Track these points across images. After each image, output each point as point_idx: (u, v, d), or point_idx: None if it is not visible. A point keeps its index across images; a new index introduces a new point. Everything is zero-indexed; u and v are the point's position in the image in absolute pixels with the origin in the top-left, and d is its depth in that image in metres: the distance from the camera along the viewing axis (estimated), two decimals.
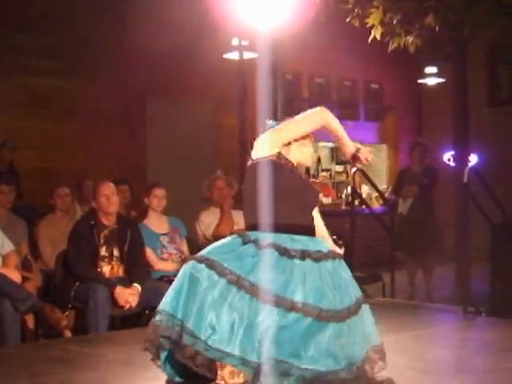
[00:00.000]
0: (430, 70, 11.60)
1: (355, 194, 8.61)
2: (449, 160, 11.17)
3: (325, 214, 8.07)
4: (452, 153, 9.57)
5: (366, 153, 3.99)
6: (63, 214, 7.15)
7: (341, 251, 3.84)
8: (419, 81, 12.07)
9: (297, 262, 3.57)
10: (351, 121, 12.59)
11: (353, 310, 3.63)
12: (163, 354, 3.73)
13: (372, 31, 6.84)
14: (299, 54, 9.98)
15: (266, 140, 3.84)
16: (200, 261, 3.61)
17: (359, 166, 4.17)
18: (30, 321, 5.96)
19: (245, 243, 3.64)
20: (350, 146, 4.02)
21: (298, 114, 10.50)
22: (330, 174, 12.94)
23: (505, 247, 6.96)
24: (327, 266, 3.63)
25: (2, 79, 8.77)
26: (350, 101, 12.47)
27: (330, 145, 13.23)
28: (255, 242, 3.61)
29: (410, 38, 7.00)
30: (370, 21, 6.79)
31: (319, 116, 3.91)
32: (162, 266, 6.60)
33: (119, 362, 4.74)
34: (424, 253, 8.56)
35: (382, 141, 13.31)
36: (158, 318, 3.63)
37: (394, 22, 6.86)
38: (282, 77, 8.23)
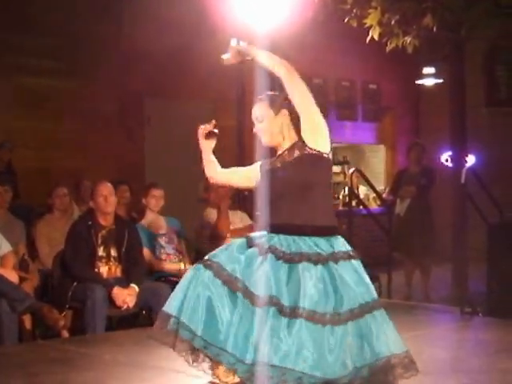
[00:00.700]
0: (428, 70, 11.58)
1: (352, 194, 8.62)
2: (446, 160, 11.18)
3: None
4: (449, 153, 9.57)
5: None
6: (61, 214, 7.15)
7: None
8: (417, 81, 12.04)
9: (294, 265, 3.56)
10: (349, 121, 12.62)
11: (356, 313, 3.56)
12: None
13: (370, 32, 6.86)
14: (297, 55, 9.91)
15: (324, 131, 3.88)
16: (206, 265, 3.62)
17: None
18: (28, 321, 5.97)
19: (250, 247, 3.66)
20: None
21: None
22: None
23: (502, 247, 6.97)
24: (330, 267, 3.58)
25: (0, 79, 8.79)
26: (348, 101, 12.48)
27: None
28: (258, 245, 3.63)
29: (408, 39, 7.03)
30: (368, 21, 6.82)
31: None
32: (160, 266, 6.61)
33: (116, 362, 4.75)
34: (421, 253, 8.57)
35: (379, 141, 13.31)
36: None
37: (392, 22, 6.89)
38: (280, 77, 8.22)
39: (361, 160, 13.35)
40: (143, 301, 6.01)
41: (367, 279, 3.72)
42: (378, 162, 13.36)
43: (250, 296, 3.49)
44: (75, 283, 5.99)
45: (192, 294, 3.53)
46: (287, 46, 8.11)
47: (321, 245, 3.61)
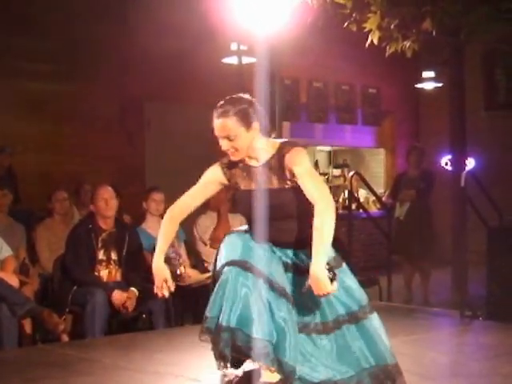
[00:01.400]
0: (428, 74, 11.61)
1: (352, 197, 8.63)
2: (446, 164, 11.20)
3: None
4: (449, 157, 9.58)
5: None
6: (61, 218, 7.16)
7: (332, 287, 3.45)
8: (417, 85, 12.08)
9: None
10: (349, 125, 12.64)
11: (342, 321, 3.60)
12: None
13: (370, 36, 6.86)
14: (297, 59, 10.02)
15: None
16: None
17: None
18: (28, 325, 5.96)
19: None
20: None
21: (296, 117, 10.63)
22: (328, 178, 12.97)
23: (501, 251, 6.96)
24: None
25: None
26: (348, 105, 12.49)
27: (328, 148, 13.27)
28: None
29: (408, 43, 7.02)
30: (368, 26, 6.81)
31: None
32: None
33: (116, 366, 4.74)
34: (421, 256, 8.58)
35: (379, 145, 13.33)
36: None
37: (392, 26, 6.87)
38: (281, 81, 8.24)
39: (361, 163, 13.37)
40: (143, 304, 6.01)
41: (352, 286, 3.70)
42: (377, 166, 13.37)
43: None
44: (75, 287, 6.00)
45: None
46: (287, 51, 8.16)
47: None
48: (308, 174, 3.59)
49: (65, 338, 5.90)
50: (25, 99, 8.95)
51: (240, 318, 3.41)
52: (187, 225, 7.15)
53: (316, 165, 13.00)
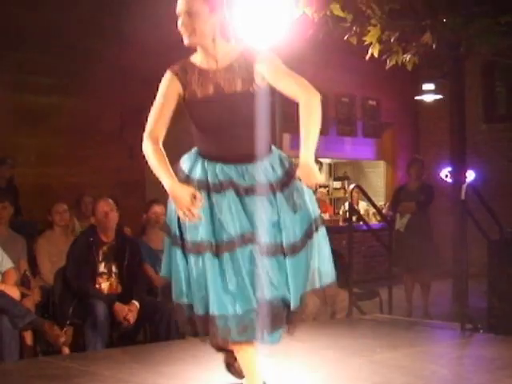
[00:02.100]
0: (428, 86, 11.65)
1: (353, 210, 8.64)
2: (446, 176, 11.22)
3: None
4: (449, 169, 9.60)
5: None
6: (62, 230, 7.17)
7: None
8: (416, 97, 12.12)
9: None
10: (349, 137, 12.67)
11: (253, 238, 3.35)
12: None
13: (370, 49, 6.90)
14: (297, 71, 10.01)
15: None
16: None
17: None
18: (29, 337, 5.95)
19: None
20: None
21: (296, 129, 10.51)
22: (328, 191, 13.00)
23: (502, 263, 6.96)
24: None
25: (1, 96, 8.83)
26: (348, 117, 12.54)
27: (328, 161, 13.29)
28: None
29: (408, 56, 7.06)
30: (368, 39, 6.85)
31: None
32: (161, 282, 6.60)
33: (117, 379, 4.73)
34: (421, 269, 8.58)
35: (379, 157, 13.37)
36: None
37: (392, 39, 6.92)
38: (280, 93, 8.25)
39: (361, 175, 13.40)
40: (144, 317, 6.01)
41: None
42: (377, 178, 13.41)
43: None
44: (76, 299, 6.00)
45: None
46: (287, 63, 8.18)
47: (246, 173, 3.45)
48: (283, 69, 3.46)
49: (66, 350, 5.90)
50: (26, 112, 9.00)
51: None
52: None
53: None
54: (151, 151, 3.50)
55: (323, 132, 12.80)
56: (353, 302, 7.02)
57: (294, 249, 3.41)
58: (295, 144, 12.89)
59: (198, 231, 3.37)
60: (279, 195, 3.46)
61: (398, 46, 7.02)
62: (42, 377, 4.88)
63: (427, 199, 8.70)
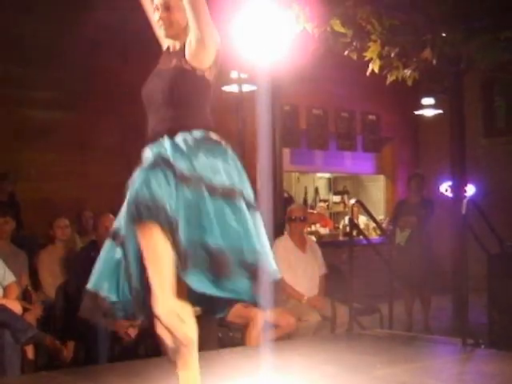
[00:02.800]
0: (427, 101, 11.68)
1: (353, 224, 8.64)
2: (446, 190, 11.24)
3: (322, 245, 8.10)
4: (449, 183, 9.62)
5: None
6: (63, 244, 7.19)
7: None
8: (416, 112, 12.15)
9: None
10: (349, 151, 12.70)
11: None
12: None
13: (370, 64, 6.93)
14: (297, 86, 10.06)
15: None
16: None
17: None
18: (30, 351, 5.98)
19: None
20: None
21: (296, 144, 10.65)
22: (328, 205, 13.02)
23: (502, 278, 6.98)
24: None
25: (1, 111, 8.86)
26: (348, 132, 12.57)
27: (328, 175, 13.32)
28: None
29: (408, 72, 7.09)
30: (368, 54, 6.88)
31: None
32: None
33: None
34: (421, 283, 8.59)
35: (379, 171, 13.40)
36: None
37: (392, 55, 6.95)
38: (280, 108, 8.30)
39: (361, 190, 13.43)
40: (145, 331, 6.02)
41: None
42: (377, 192, 13.44)
43: None
44: (77, 314, 6.00)
45: None
46: (287, 78, 8.22)
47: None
48: None
49: (67, 364, 5.92)
50: (27, 127, 9.04)
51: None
52: None
53: (316, 191, 13.07)
54: None
55: (323, 147, 12.89)
56: (353, 317, 7.01)
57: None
58: (296, 159, 12.97)
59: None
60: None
61: (399, 62, 7.05)
62: None
63: (428, 214, 8.72)
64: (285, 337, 6.59)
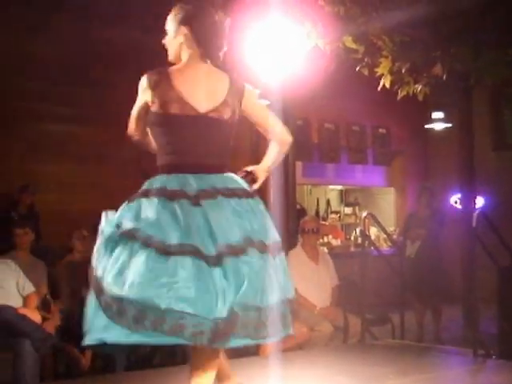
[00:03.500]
0: (437, 115, 11.76)
1: (364, 236, 8.72)
2: (455, 202, 11.32)
3: (334, 256, 8.17)
4: (458, 195, 9.69)
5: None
6: (81, 255, 7.28)
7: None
8: (426, 126, 12.23)
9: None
10: (360, 164, 12.79)
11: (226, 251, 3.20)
12: None
13: (382, 80, 7.01)
14: (309, 101, 10.15)
15: None
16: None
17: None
18: (49, 360, 6.05)
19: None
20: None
21: (309, 158, 10.67)
22: (339, 216, 13.08)
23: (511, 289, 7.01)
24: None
25: (21, 125, 9.00)
26: (359, 145, 12.67)
27: (339, 188, 13.40)
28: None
29: (419, 87, 7.15)
30: (380, 70, 6.94)
31: None
32: None
33: None
34: (431, 295, 8.64)
35: (389, 184, 13.46)
36: None
37: (403, 70, 7.01)
38: (293, 123, 8.40)
39: (371, 202, 13.49)
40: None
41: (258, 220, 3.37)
42: (387, 204, 13.49)
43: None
44: None
45: None
46: (299, 93, 8.32)
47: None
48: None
49: (85, 373, 6.01)
50: (46, 141, 9.15)
51: None
52: None
53: (328, 203, 13.15)
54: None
55: (335, 160, 12.98)
56: (365, 328, 7.07)
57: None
58: (308, 172, 13.07)
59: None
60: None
61: (409, 77, 7.10)
62: None
63: (438, 226, 8.78)
64: (297, 347, 6.63)
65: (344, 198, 13.58)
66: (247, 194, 3.44)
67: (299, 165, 11.28)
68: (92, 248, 3.57)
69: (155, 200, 3.35)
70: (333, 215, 12.96)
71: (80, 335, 6.05)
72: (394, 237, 9.79)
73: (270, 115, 3.67)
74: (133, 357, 6.26)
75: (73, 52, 9.21)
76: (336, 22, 6.71)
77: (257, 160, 3.79)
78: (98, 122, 9.44)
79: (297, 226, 7.71)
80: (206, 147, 3.45)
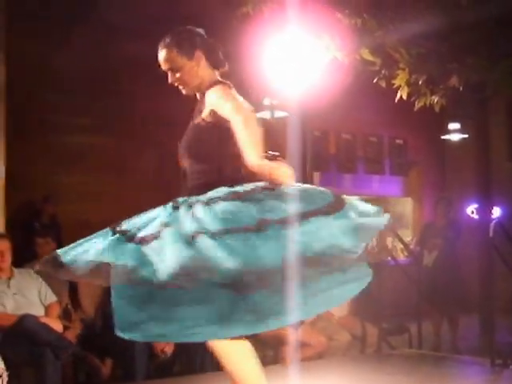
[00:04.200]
0: (453, 126, 11.80)
1: (382, 246, 8.76)
2: (472, 212, 11.34)
3: None
4: (475, 205, 9.71)
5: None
6: None
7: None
8: (443, 136, 12.25)
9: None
10: (377, 175, 12.82)
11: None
12: None
13: (399, 91, 7.06)
14: (327, 112, 10.21)
15: None
16: None
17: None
18: (70, 369, 6.13)
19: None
20: None
21: (326, 168, 10.70)
22: None
23: None
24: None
25: (44, 137, 9.10)
26: (376, 156, 12.70)
27: (356, 198, 13.43)
28: None
29: (436, 98, 7.20)
30: (397, 82, 6.99)
31: None
32: None
33: None
34: (448, 304, 8.66)
35: (406, 194, 13.47)
36: None
37: (420, 82, 7.06)
38: (311, 134, 8.48)
39: (388, 212, 13.50)
40: (181, 348, 6.16)
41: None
42: (405, 214, 13.50)
43: None
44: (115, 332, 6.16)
45: None
46: (317, 105, 8.40)
47: None
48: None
49: (105, 381, 6.07)
50: (67, 152, 9.24)
51: None
52: None
53: None
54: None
55: (352, 170, 13.04)
56: (382, 337, 7.10)
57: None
58: (325, 182, 13.12)
59: None
60: None
61: (426, 89, 7.14)
62: None
63: (455, 236, 8.81)
64: (316, 356, 6.68)
65: None
66: None
67: (317, 175, 11.34)
68: None
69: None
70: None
71: (100, 344, 6.14)
72: (411, 246, 9.80)
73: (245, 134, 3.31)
74: (152, 365, 6.31)
75: (95, 65, 9.30)
76: (353, 35, 6.78)
77: None
78: (119, 134, 9.54)
79: None
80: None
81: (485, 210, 8.82)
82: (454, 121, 11.66)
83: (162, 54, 3.46)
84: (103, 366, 6.28)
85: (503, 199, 11.11)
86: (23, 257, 6.85)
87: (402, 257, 11.56)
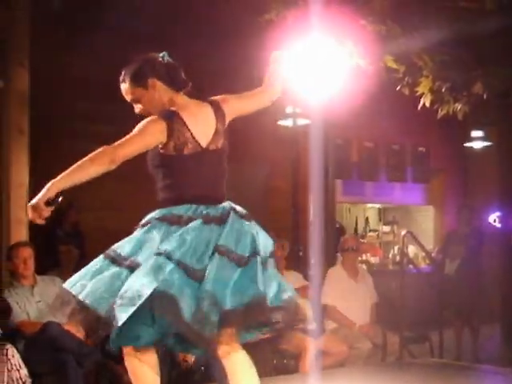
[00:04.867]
0: (476, 133, 11.75)
1: (403, 254, 8.74)
2: (494, 221, 11.28)
3: (372, 274, 8.21)
4: (498, 214, 9.67)
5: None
6: None
7: None
8: (466, 144, 12.21)
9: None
10: (399, 182, 12.80)
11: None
12: None
13: (422, 99, 7.05)
14: (350, 120, 10.22)
15: None
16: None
17: None
18: (92, 376, 6.11)
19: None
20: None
21: (348, 176, 10.72)
22: (378, 234, 13.10)
23: None
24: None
25: (65, 144, 9.15)
26: (398, 164, 12.66)
27: (378, 205, 13.42)
28: None
29: (459, 106, 7.18)
30: (420, 89, 6.96)
31: None
32: None
33: None
34: (470, 312, 8.63)
35: (428, 202, 13.43)
36: None
37: (443, 89, 7.04)
38: (333, 142, 8.48)
39: (410, 220, 13.48)
40: (201, 357, 6.17)
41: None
42: (426, 222, 13.47)
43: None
44: None
45: None
46: (340, 113, 8.39)
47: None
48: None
49: None
50: None
51: None
52: None
53: (367, 221, 13.18)
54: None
55: (373, 178, 13.03)
56: (403, 346, 7.08)
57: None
58: (347, 190, 13.10)
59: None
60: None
61: (449, 96, 7.12)
62: None
63: (477, 244, 8.79)
64: (337, 364, 6.68)
65: (382, 216, 13.58)
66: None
67: (339, 182, 11.34)
68: None
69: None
70: (371, 233, 12.98)
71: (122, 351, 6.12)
72: (433, 255, 9.76)
73: (244, 93, 3.79)
74: (174, 373, 6.32)
75: (114, 72, 9.35)
76: (377, 42, 6.76)
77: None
78: None
79: (336, 245, 7.76)
80: (210, 179, 3.58)
81: (508, 219, 8.77)
82: (477, 128, 11.61)
83: (121, 88, 3.67)
84: (125, 374, 6.26)
85: None
86: (46, 264, 6.89)
87: (423, 265, 11.54)
